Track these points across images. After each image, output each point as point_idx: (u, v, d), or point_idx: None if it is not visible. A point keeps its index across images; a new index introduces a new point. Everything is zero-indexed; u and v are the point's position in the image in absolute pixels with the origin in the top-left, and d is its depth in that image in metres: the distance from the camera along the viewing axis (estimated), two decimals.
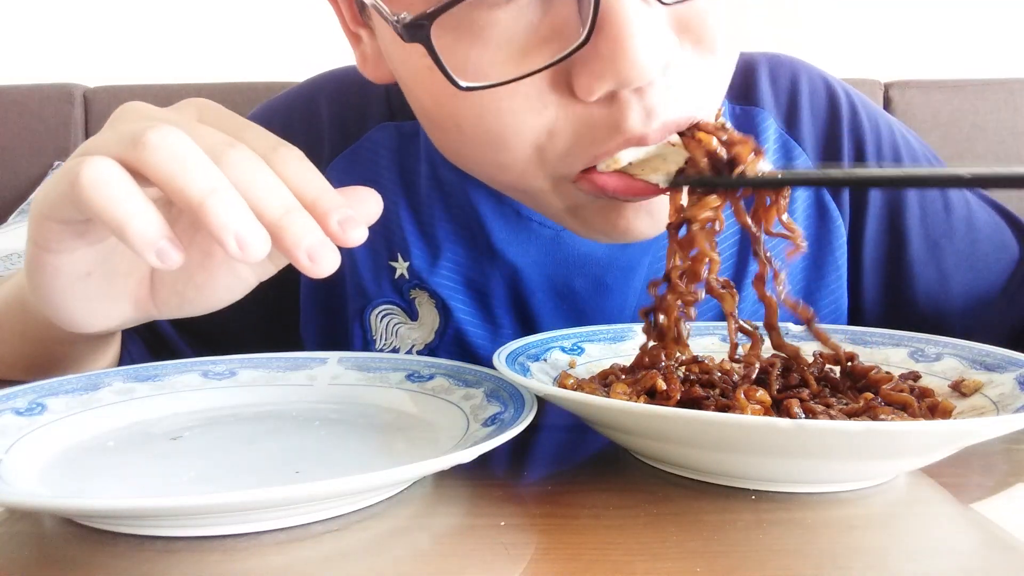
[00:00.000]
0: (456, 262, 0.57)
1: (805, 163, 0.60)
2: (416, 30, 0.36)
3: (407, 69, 0.43)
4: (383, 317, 0.59)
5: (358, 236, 0.33)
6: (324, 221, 0.33)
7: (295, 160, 0.35)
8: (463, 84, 0.37)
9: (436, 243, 0.58)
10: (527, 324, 0.58)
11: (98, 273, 0.40)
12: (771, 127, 0.60)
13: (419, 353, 0.59)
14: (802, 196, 0.60)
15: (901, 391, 0.39)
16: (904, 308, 0.60)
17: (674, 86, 0.39)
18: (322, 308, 0.60)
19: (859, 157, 0.60)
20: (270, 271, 0.42)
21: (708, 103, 0.42)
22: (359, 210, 0.35)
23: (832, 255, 0.60)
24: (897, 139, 0.61)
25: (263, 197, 0.32)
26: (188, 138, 0.32)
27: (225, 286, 0.41)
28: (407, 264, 0.58)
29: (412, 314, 0.59)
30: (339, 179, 0.58)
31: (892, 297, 0.60)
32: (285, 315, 0.61)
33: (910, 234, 0.60)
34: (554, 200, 0.45)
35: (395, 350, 0.59)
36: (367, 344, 0.59)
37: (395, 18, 0.37)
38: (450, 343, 0.58)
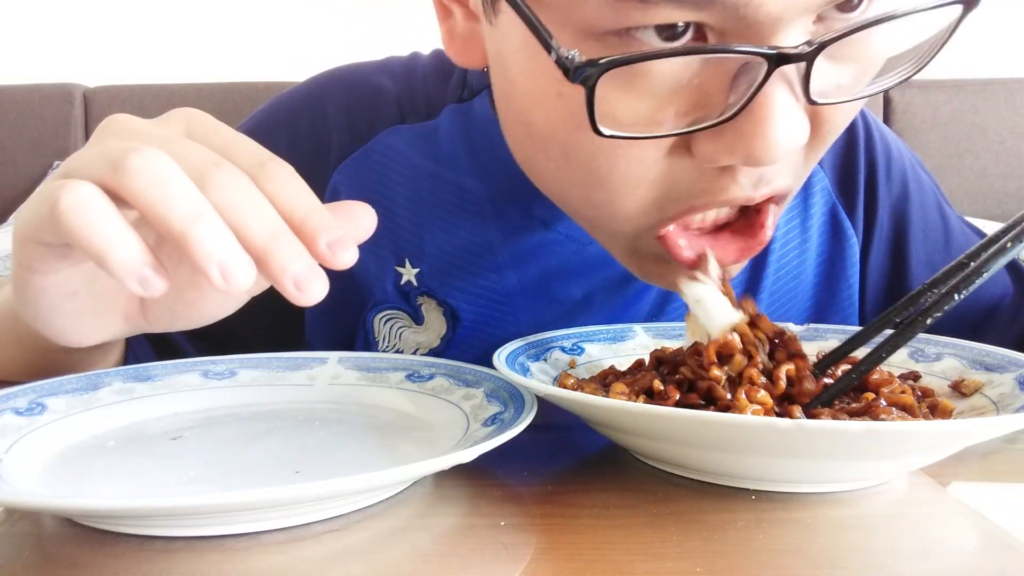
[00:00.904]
0: (472, 272, 0.57)
1: (822, 181, 0.60)
2: (584, 74, 0.34)
3: (528, 83, 0.40)
4: (387, 321, 0.59)
5: (348, 259, 0.32)
6: (312, 243, 0.32)
7: (283, 177, 0.33)
8: (606, 132, 0.36)
9: (453, 252, 0.57)
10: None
11: (85, 291, 0.39)
12: None
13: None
14: (819, 212, 0.60)
15: (903, 393, 0.39)
16: None
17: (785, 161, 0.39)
18: (330, 312, 0.60)
19: (870, 180, 0.61)
20: (262, 287, 0.41)
21: (799, 180, 0.42)
22: (351, 228, 0.34)
23: (845, 273, 0.60)
24: (906, 166, 0.62)
25: (248, 223, 0.31)
26: (171, 162, 0.31)
27: (215, 303, 0.41)
28: (416, 271, 0.57)
29: (418, 319, 0.58)
30: (347, 183, 0.57)
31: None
32: (291, 319, 0.61)
33: (912, 260, 0.60)
34: (623, 240, 0.44)
35: (398, 352, 0.59)
36: (369, 346, 0.59)
37: (564, 55, 0.35)
38: (456, 349, 0.58)
